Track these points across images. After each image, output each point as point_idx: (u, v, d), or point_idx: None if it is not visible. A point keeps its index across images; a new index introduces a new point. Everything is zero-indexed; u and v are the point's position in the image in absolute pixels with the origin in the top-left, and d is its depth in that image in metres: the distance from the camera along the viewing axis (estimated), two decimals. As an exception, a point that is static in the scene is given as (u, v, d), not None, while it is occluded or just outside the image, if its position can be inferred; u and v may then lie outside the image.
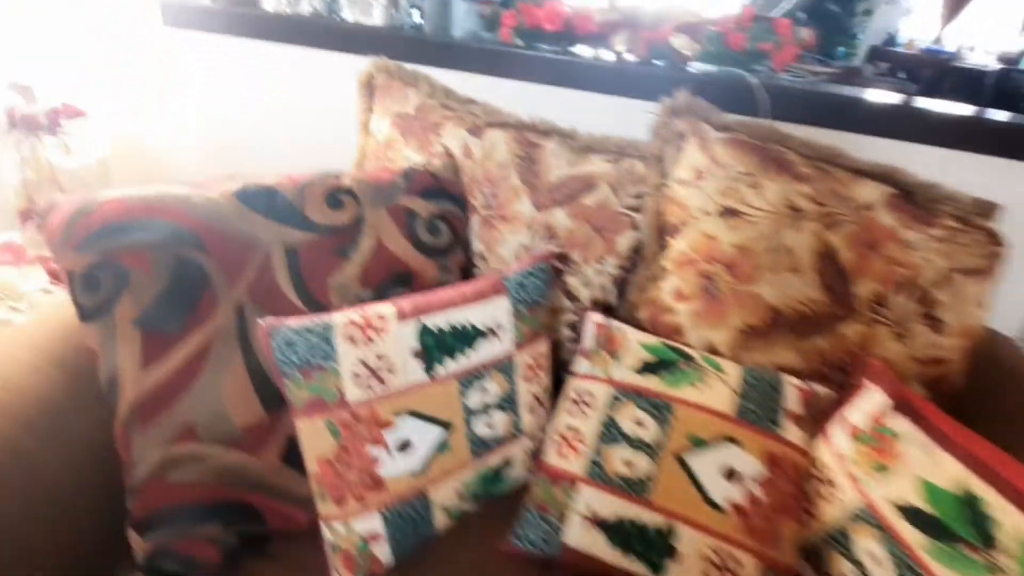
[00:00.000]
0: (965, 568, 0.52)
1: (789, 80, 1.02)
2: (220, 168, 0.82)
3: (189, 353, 0.66)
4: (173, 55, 1.25)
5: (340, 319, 0.64)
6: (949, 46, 6.12)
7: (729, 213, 0.81)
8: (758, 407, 0.70)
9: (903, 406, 0.58)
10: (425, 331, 0.68)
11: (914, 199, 0.84)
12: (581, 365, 0.80)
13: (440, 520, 0.72)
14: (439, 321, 0.69)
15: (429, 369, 0.68)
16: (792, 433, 0.69)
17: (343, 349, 0.63)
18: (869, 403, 0.61)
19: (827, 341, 0.79)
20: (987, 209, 0.86)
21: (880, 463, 0.58)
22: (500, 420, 0.75)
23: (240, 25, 1.15)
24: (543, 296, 0.77)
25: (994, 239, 0.84)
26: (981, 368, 0.89)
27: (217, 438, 0.66)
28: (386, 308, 0.68)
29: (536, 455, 0.79)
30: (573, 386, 0.79)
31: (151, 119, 1.31)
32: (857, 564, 0.61)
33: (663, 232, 0.88)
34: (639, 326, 0.89)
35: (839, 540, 0.63)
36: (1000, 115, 1.02)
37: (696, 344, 0.83)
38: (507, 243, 0.91)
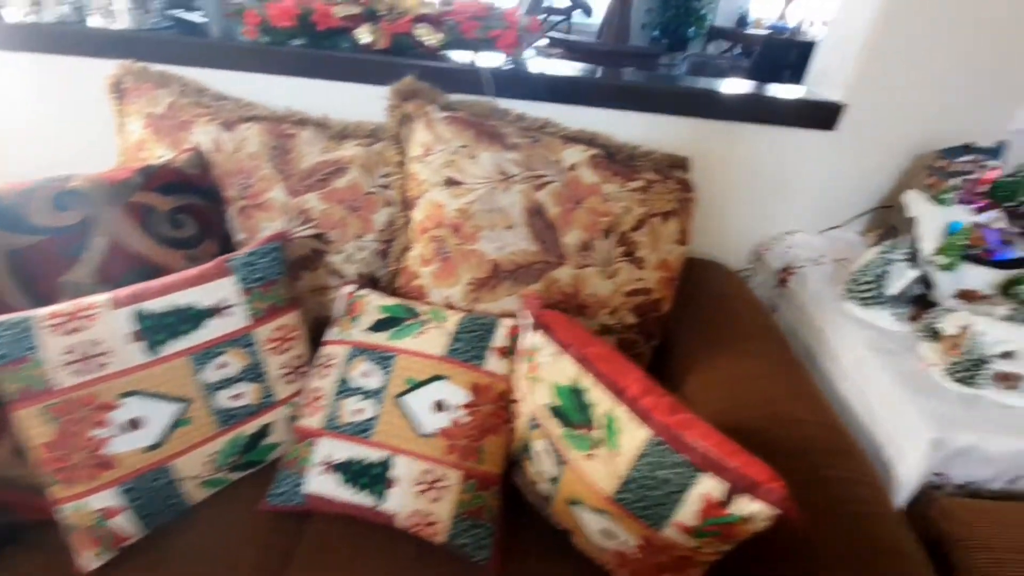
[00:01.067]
0: (582, 446, 0.64)
1: (528, 64, 1.14)
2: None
3: None
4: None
5: (42, 312, 0.68)
6: (792, 23, 6.69)
7: (451, 183, 0.91)
8: (467, 346, 0.80)
9: (539, 324, 0.70)
10: (142, 315, 0.72)
11: (615, 158, 0.98)
12: (331, 332, 0.88)
13: (193, 490, 0.78)
14: (158, 305, 0.74)
15: (153, 350, 0.73)
16: (496, 364, 0.80)
17: (46, 340, 0.67)
18: (526, 328, 0.73)
19: (543, 285, 0.91)
20: (680, 162, 1.02)
21: (534, 375, 0.70)
22: (247, 391, 0.81)
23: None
24: (277, 273, 0.83)
25: (685, 187, 1.00)
26: (692, 290, 1.07)
27: (-67, 442, 0.68)
28: (100, 298, 0.72)
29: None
30: (321, 352, 0.86)
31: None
32: (538, 463, 0.73)
33: (408, 205, 0.97)
34: (398, 293, 0.98)
35: (527, 447, 0.74)
36: (694, 82, 1.19)
37: (437, 301, 0.93)
38: (266, 230, 0.96)
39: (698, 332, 1.01)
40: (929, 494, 0.71)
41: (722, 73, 3.78)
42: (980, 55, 1.02)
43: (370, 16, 1.05)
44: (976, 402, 0.73)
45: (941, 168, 1.00)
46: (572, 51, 2.24)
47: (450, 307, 0.91)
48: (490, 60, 1.11)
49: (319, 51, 1.05)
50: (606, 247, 0.94)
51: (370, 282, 1.00)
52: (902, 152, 1.10)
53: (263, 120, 0.99)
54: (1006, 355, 0.72)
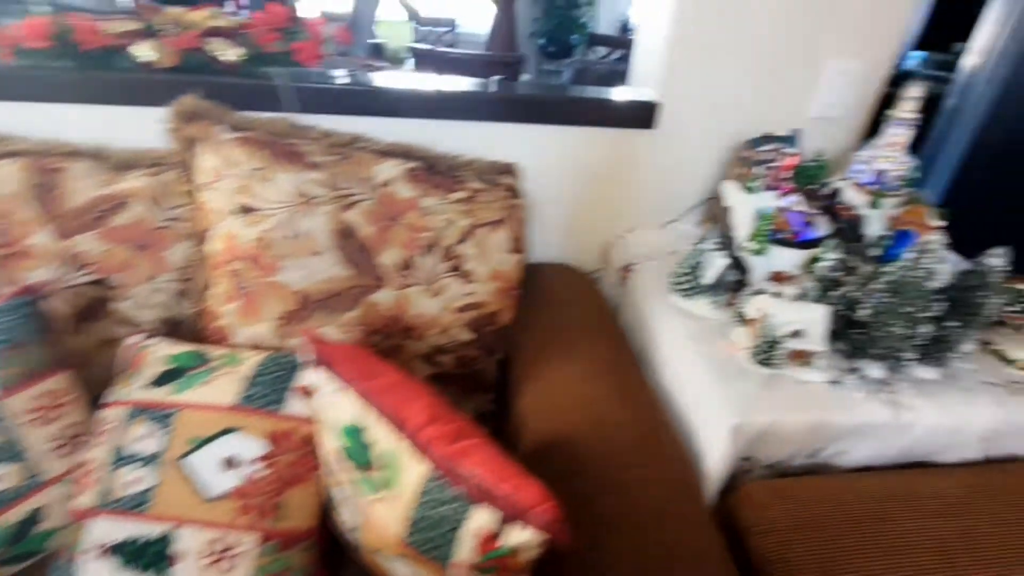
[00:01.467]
0: (369, 490, 0.59)
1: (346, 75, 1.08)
2: None
3: None
4: None
5: None
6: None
7: (245, 210, 0.83)
8: (265, 390, 0.73)
9: (320, 361, 0.64)
10: None
11: (435, 169, 0.94)
12: (110, 392, 0.77)
13: (-66, 604, 0.65)
14: None
15: None
16: (299, 407, 0.73)
17: None
18: (307, 366, 0.67)
19: (361, 311, 0.86)
20: (506, 168, 1.00)
21: (319, 416, 0.64)
22: (3, 474, 0.68)
23: None
24: (29, 332, 0.72)
25: (512, 193, 0.98)
26: (538, 297, 1.05)
27: None
28: None
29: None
30: (97, 416, 0.75)
31: None
32: (340, 512, 0.66)
33: (202, 239, 0.88)
34: (201, 337, 0.88)
35: (331, 496, 0.68)
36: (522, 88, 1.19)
37: (244, 342, 0.84)
38: (33, 281, 0.83)
39: (539, 339, 0.99)
40: (739, 480, 0.72)
41: (602, 77, 3.92)
42: (776, 47, 1.08)
43: (149, 32, 0.94)
44: (775, 382, 0.76)
45: (748, 158, 1.04)
46: (436, 63, 2.21)
47: (257, 347, 0.83)
48: (300, 74, 1.04)
49: (91, 73, 0.93)
50: (429, 264, 0.90)
51: (173, 328, 0.89)
52: (718, 144, 1.15)
53: (22, 155, 0.86)
54: (796, 334, 0.75)
